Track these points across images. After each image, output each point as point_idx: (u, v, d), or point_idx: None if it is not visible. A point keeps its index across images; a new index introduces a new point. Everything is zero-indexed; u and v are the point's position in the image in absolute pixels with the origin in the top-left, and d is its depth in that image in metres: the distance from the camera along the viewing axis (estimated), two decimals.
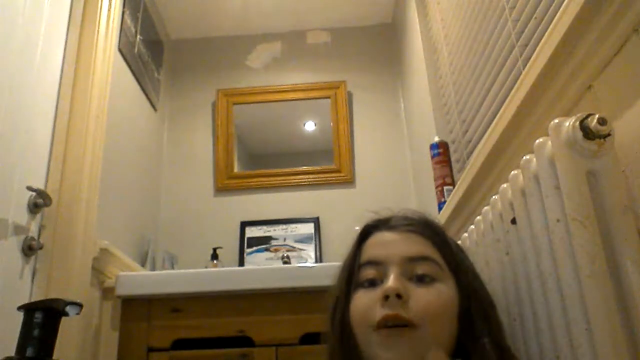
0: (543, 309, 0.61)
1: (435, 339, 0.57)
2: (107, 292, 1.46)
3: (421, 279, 0.60)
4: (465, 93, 1.35)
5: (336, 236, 1.99)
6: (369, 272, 0.63)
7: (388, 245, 0.64)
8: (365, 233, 0.69)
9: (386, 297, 0.58)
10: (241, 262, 1.97)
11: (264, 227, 2.04)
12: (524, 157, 0.65)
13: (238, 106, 2.27)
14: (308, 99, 2.27)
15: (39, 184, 1.26)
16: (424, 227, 0.66)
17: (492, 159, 0.95)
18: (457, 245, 0.69)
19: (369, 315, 0.59)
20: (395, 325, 0.56)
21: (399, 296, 0.57)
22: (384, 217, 0.69)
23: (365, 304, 0.60)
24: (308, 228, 2.03)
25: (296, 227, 2.03)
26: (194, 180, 2.16)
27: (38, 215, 1.25)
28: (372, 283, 0.62)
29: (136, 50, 1.89)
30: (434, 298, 0.58)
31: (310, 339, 1.23)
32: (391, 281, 0.58)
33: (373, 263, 0.63)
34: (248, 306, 1.28)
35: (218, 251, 1.89)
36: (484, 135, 0.98)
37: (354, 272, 0.65)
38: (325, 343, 0.68)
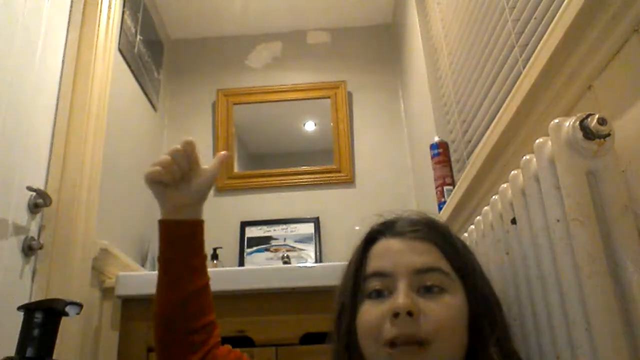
0: (543, 309, 0.61)
1: (447, 354, 0.57)
2: (107, 292, 1.46)
3: (429, 290, 0.59)
4: (465, 93, 1.35)
5: (336, 236, 1.99)
6: (375, 284, 0.61)
7: (395, 255, 0.62)
8: (370, 238, 0.67)
9: (396, 314, 0.56)
10: (241, 262, 1.97)
11: (264, 227, 2.04)
12: (524, 157, 0.65)
13: (238, 106, 2.27)
14: (308, 99, 2.27)
15: (39, 184, 1.26)
16: (430, 232, 0.64)
17: (492, 159, 0.95)
18: (464, 245, 0.67)
19: (378, 331, 0.58)
20: (406, 342, 0.55)
21: (409, 313, 0.56)
22: (389, 220, 0.68)
23: (374, 318, 0.59)
24: (308, 228, 2.03)
25: (296, 227, 2.03)
26: None
27: (38, 215, 1.25)
28: (379, 293, 0.61)
29: (136, 50, 1.89)
30: (445, 313, 0.57)
31: (310, 339, 1.23)
32: (401, 298, 0.57)
33: (380, 275, 0.61)
34: (248, 306, 1.28)
35: (218, 251, 1.89)
36: (484, 135, 0.98)
37: (360, 282, 0.63)
38: (329, 343, 0.67)
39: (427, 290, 0.59)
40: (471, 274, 0.62)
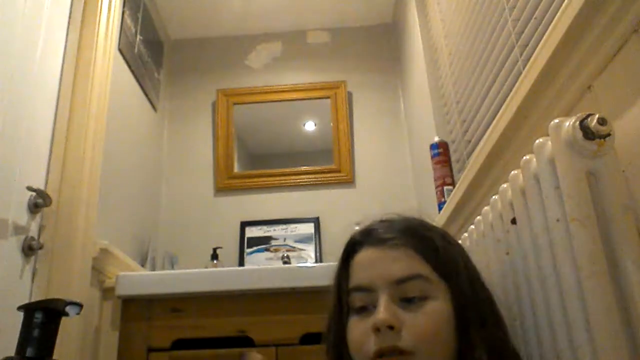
0: (543, 309, 0.61)
1: None
2: (107, 292, 1.46)
3: (411, 299, 0.59)
4: (465, 93, 1.35)
5: (336, 236, 1.98)
6: (358, 299, 0.62)
7: (374, 267, 0.62)
8: (351, 249, 0.67)
9: (378, 329, 0.57)
10: (241, 262, 1.97)
11: (264, 227, 2.04)
12: (524, 157, 0.65)
13: (238, 106, 2.27)
14: (308, 99, 2.27)
15: (39, 184, 1.26)
16: (408, 237, 0.63)
17: (492, 159, 0.95)
18: (446, 242, 0.65)
19: (364, 347, 0.58)
20: (390, 354, 0.56)
21: (390, 327, 0.56)
22: (367, 228, 0.67)
23: (360, 334, 0.59)
24: (308, 228, 2.03)
25: (296, 227, 2.03)
26: (194, 180, 2.16)
27: (38, 215, 1.25)
28: (364, 307, 0.61)
29: (136, 50, 1.89)
30: (427, 322, 0.57)
31: (310, 339, 1.23)
32: (381, 312, 0.57)
33: (361, 289, 0.62)
34: (248, 306, 1.28)
35: (218, 251, 1.89)
36: (484, 135, 0.98)
37: (344, 296, 0.64)
38: (324, 346, 0.68)
39: (408, 300, 0.59)
40: (455, 273, 0.61)
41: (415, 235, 0.64)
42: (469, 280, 0.63)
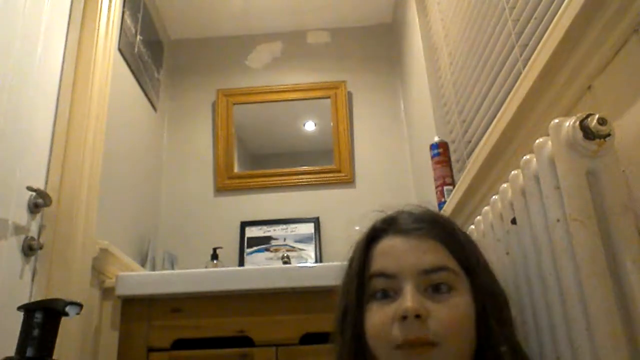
0: (543, 309, 0.61)
1: (456, 354, 0.56)
2: (107, 292, 1.46)
3: (437, 290, 0.58)
4: (465, 93, 1.35)
5: (336, 236, 1.98)
6: (381, 284, 0.61)
7: (400, 255, 0.61)
8: (372, 236, 0.66)
9: (404, 317, 0.56)
10: (241, 262, 1.97)
11: (264, 227, 2.04)
12: (524, 157, 0.65)
13: (238, 106, 2.27)
14: (308, 99, 2.27)
15: (39, 184, 1.26)
16: (435, 229, 0.63)
17: (492, 159, 0.95)
18: (468, 238, 0.66)
19: (387, 333, 0.57)
20: (416, 343, 0.55)
21: (417, 316, 0.55)
22: (391, 216, 0.67)
23: (382, 320, 0.58)
24: (308, 228, 2.03)
25: (296, 227, 2.03)
26: (194, 180, 2.16)
27: (38, 215, 1.25)
28: (385, 294, 0.60)
29: (136, 50, 1.89)
30: (453, 314, 0.57)
31: (310, 339, 1.23)
32: (409, 301, 0.56)
33: (385, 275, 0.61)
34: (248, 306, 1.28)
35: (218, 251, 1.89)
36: (484, 135, 0.98)
37: (364, 282, 0.62)
38: (332, 343, 0.67)
39: (434, 291, 0.58)
40: (477, 268, 0.62)
41: (440, 227, 0.64)
42: (489, 276, 0.63)
